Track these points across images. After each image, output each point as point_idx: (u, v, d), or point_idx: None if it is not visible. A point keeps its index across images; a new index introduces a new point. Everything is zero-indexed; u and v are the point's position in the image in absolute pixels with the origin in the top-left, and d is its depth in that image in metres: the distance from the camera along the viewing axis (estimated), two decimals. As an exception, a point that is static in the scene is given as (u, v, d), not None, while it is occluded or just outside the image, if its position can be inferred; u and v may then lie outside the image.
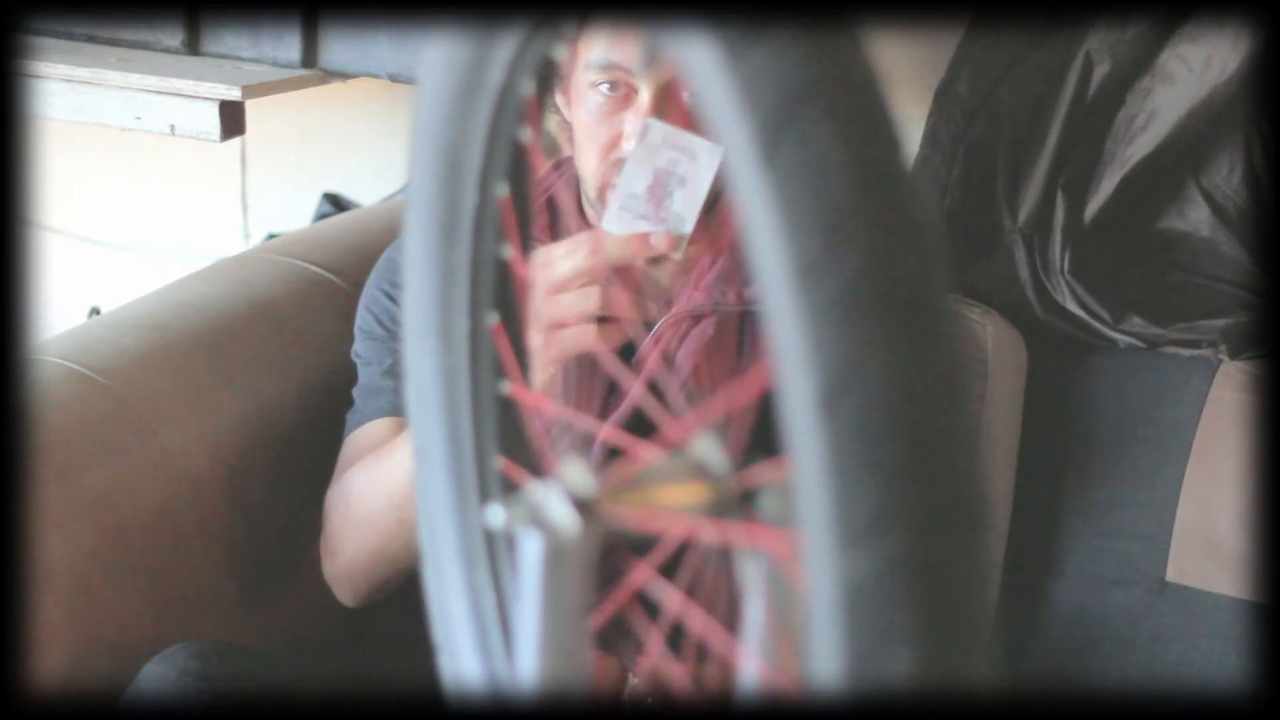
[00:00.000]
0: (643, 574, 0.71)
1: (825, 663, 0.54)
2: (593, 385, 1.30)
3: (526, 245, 0.79)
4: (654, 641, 0.82)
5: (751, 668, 0.68)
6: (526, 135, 0.76)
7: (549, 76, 0.75)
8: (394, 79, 2.02)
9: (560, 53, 0.74)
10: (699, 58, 0.57)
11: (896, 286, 0.54)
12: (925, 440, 0.54)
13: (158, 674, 1.37)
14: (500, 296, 0.79)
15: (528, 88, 0.75)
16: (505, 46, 0.73)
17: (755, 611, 0.68)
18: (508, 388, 0.79)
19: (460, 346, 0.79)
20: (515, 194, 0.77)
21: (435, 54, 0.76)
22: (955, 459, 0.54)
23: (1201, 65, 1.83)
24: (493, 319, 0.79)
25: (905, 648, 0.53)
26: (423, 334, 0.80)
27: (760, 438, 0.69)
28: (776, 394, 0.56)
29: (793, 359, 0.54)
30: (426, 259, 0.78)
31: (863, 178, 0.55)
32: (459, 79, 0.75)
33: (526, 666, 0.70)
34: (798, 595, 0.64)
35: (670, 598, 0.72)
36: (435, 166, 0.77)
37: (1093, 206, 1.90)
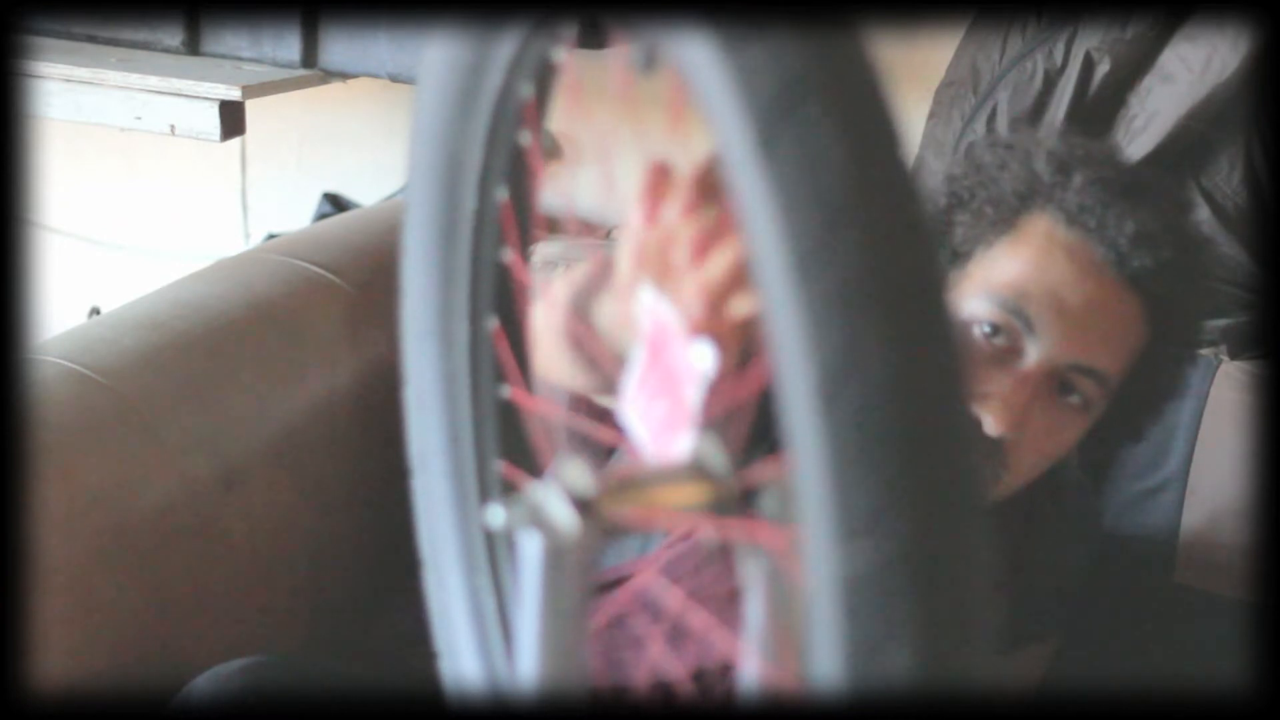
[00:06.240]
0: (644, 574, 0.72)
1: (825, 659, 0.54)
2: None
3: (526, 249, 0.79)
4: (654, 641, 0.82)
5: (752, 666, 0.68)
6: (526, 139, 0.76)
7: (548, 79, 0.75)
8: (394, 79, 2.02)
9: (559, 55, 0.74)
10: (696, 50, 0.56)
11: (895, 278, 0.54)
12: (925, 433, 0.54)
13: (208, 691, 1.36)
14: (500, 300, 0.79)
15: (527, 91, 0.75)
16: (504, 49, 0.73)
17: (755, 610, 0.68)
18: (508, 391, 0.79)
19: (460, 350, 0.79)
20: (515, 197, 0.77)
21: (434, 57, 0.76)
22: (955, 451, 0.54)
23: (1201, 65, 1.83)
24: (493, 323, 0.79)
25: (905, 643, 0.53)
26: (423, 338, 0.80)
27: (760, 435, 0.69)
28: (775, 390, 0.55)
29: (791, 351, 0.54)
30: (426, 262, 0.78)
31: (862, 169, 0.54)
32: (458, 83, 0.75)
33: (526, 666, 0.70)
34: (798, 593, 0.64)
35: (670, 598, 0.72)
36: (435, 170, 0.77)
37: (1093, 206, 1.89)
